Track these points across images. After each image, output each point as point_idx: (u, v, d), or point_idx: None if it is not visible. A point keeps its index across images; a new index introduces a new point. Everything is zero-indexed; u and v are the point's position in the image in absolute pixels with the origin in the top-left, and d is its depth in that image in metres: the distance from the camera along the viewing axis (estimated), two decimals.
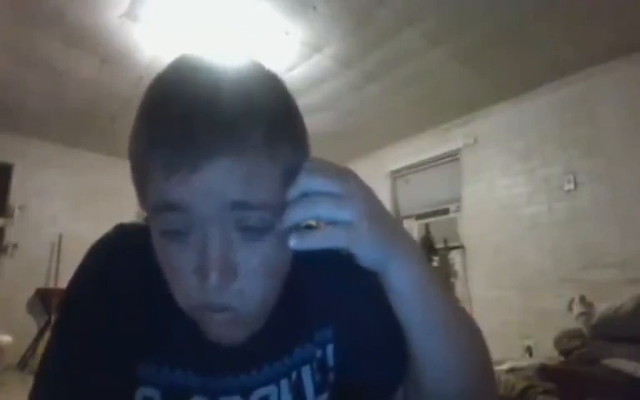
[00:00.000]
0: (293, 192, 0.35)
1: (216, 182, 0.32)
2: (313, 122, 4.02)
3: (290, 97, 0.39)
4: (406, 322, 0.38)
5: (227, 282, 0.34)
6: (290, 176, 0.36)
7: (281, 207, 0.35)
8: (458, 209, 4.09)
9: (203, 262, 0.33)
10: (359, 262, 0.35)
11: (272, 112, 0.35)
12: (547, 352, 2.62)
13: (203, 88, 0.33)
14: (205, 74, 0.35)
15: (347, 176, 0.36)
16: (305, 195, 0.35)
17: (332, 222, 0.34)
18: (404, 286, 0.36)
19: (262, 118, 0.34)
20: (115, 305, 0.42)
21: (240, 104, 0.33)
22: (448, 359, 0.39)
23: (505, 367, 2.35)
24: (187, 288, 0.36)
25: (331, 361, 0.50)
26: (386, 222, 0.36)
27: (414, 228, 4.53)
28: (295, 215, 0.34)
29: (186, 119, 0.32)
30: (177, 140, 0.32)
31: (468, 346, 0.41)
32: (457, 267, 3.94)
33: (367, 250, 0.34)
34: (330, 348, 0.51)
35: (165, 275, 0.37)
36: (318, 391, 0.49)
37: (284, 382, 0.47)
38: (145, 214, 0.40)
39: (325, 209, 0.34)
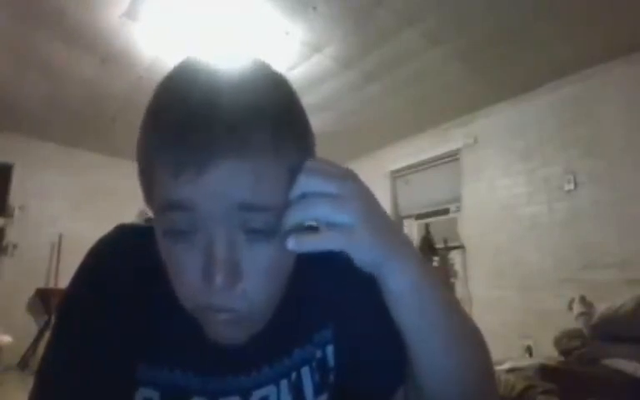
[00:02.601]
0: (293, 192, 0.35)
1: (222, 184, 0.32)
2: (313, 122, 3.93)
3: (295, 97, 0.39)
4: (403, 324, 0.38)
5: (232, 284, 0.34)
6: (295, 176, 0.36)
7: (286, 209, 0.35)
8: (458, 209, 4.09)
9: (209, 263, 0.33)
10: (357, 264, 0.35)
11: (277, 113, 0.35)
12: (547, 352, 2.62)
13: (209, 90, 0.33)
14: (210, 76, 0.35)
15: (346, 177, 0.36)
16: (304, 196, 0.35)
17: (331, 224, 0.34)
18: (401, 288, 0.36)
19: (268, 119, 0.34)
20: (115, 306, 0.42)
21: (245, 105, 0.33)
22: (448, 362, 0.39)
23: (505, 367, 2.35)
24: (191, 288, 0.35)
25: (331, 361, 0.51)
26: (384, 225, 0.36)
27: (414, 228, 4.53)
28: (292, 217, 0.34)
29: (192, 121, 0.32)
30: (184, 142, 0.32)
31: (469, 348, 0.41)
32: (457, 267, 3.94)
33: (364, 252, 0.34)
34: (330, 349, 0.51)
35: (169, 275, 0.37)
36: (318, 391, 0.49)
37: (284, 383, 0.47)
38: (148, 214, 0.40)
39: (322, 211, 0.34)
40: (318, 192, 0.34)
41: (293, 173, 0.36)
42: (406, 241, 0.38)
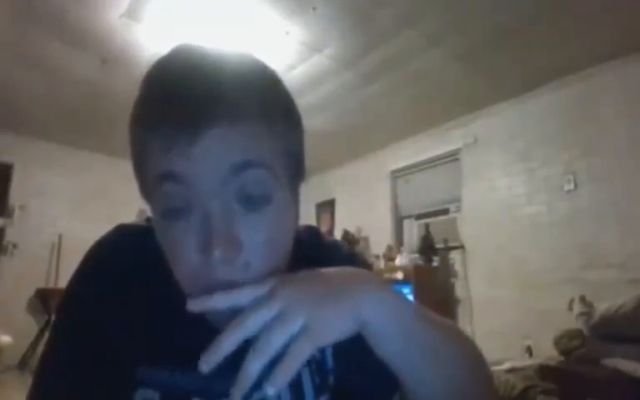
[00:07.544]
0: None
1: (214, 150, 0.33)
2: (313, 122, 4.01)
3: (277, 75, 0.40)
4: (386, 356, 0.37)
5: (232, 256, 0.33)
6: (290, 157, 0.37)
7: (282, 183, 0.36)
8: (458, 209, 4.09)
9: (207, 237, 0.33)
10: (340, 340, 0.33)
11: (265, 87, 0.37)
12: (547, 352, 2.62)
13: (197, 68, 0.34)
14: (198, 56, 0.36)
15: (268, 292, 0.32)
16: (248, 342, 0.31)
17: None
18: (380, 325, 0.35)
19: (256, 90, 0.36)
20: (114, 306, 0.42)
21: (233, 79, 0.35)
22: (439, 386, 0.39)
23: (505, 367, 2.35)
24: (191, 269, 0.35)
25: (330, 363, 0.51)
26: (331, 278, 0.35)
27: (414, 228, 4.53)
28: (254, 367, 0.29)
29: (181, 97, 0.33)
30: (173, 116, 0.33)
31: (461, 367, 0.41)
32: (457, 267, 3.94)
33: (333, 332, 0.32)
34: (329, 351, 0.51)
35: (169, 263, 0.37)
36: (318, 393, 0.49)
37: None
38: (147, 214, 0.40)
39: (278, 337, 0.29)
40: (257, 329, 0.30)
41: (287, 151, 0.37)
42: (367, 277, 0.37)
